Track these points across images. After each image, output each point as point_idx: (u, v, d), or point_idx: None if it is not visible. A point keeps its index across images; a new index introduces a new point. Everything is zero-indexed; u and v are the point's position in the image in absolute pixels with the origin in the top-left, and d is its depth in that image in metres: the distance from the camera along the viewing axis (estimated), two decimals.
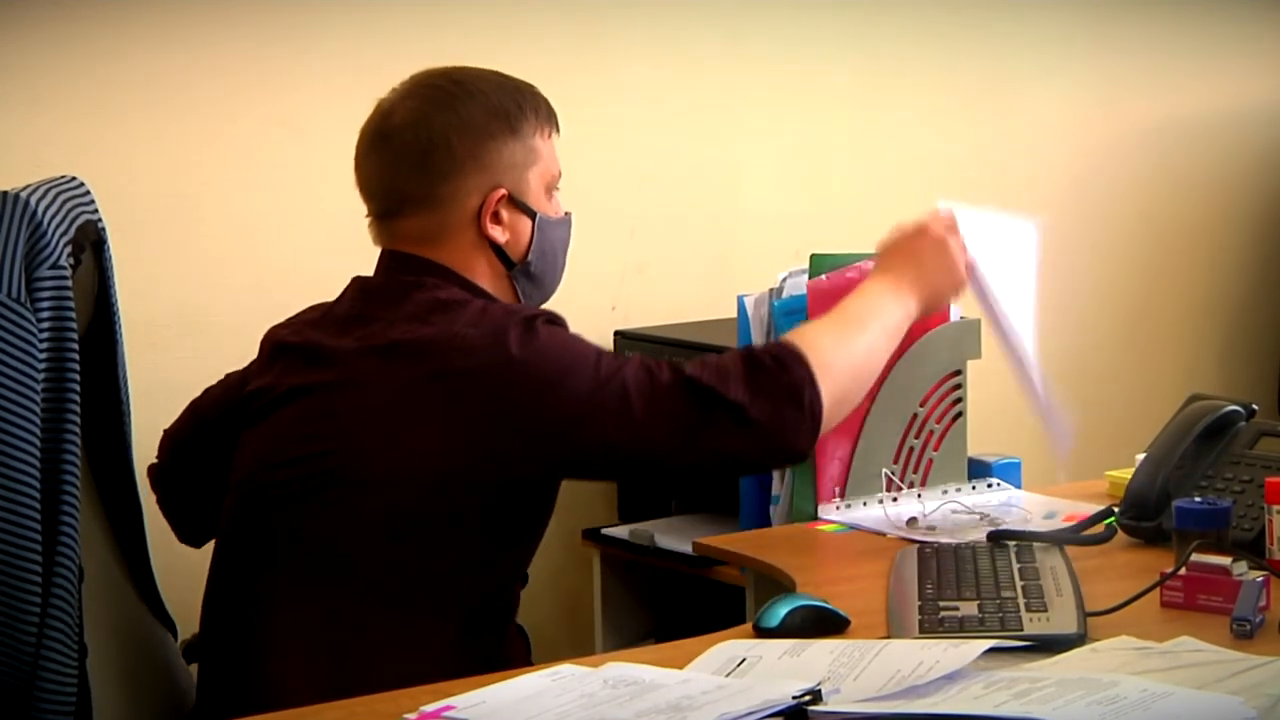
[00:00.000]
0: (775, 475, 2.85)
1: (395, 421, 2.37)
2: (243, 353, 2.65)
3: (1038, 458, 2.94)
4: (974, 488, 2.90)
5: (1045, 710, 1.80)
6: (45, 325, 2.10)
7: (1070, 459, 2.79)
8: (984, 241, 2.74)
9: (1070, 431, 2.77)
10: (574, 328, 2.49)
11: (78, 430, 2.12)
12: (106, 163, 3.05)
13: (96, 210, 2.24)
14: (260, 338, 2.61)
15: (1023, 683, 1.89)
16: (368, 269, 2.57)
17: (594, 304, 2.50)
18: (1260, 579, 2.22)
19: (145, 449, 2.63)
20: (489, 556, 2.43)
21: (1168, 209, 4.20)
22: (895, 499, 2.84)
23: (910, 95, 3.88)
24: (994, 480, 2.92)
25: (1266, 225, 4.32)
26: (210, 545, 2.70)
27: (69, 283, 2.12)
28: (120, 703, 2.33)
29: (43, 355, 2.09)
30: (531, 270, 2.55)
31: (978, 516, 2.77)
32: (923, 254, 2.66)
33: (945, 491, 2.87)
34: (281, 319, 2.62)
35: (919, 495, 2.86)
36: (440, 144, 2.48)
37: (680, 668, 2.04)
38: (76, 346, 2.13)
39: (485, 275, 2.52)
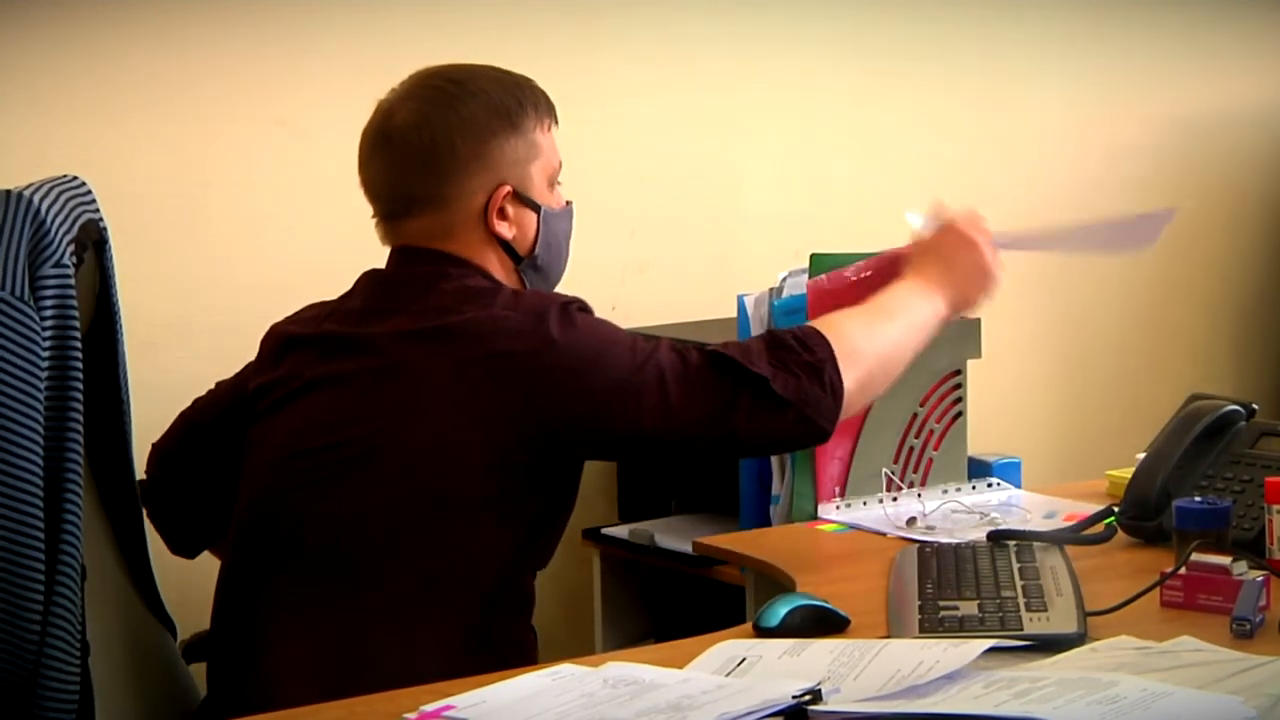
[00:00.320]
0: (775, 475, 2.85)
1: (441, 402, 2.38)
2: (243, 352, 2.65)
3: (1038, 458, 2.94)
4: (974, 487, 2.90)
5: (1045, 710, 1.80)
6: (48, 323, 2.09)
7: (1070, 459, 2.79)
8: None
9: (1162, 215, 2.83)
10: None
11: (80, 428, 2.12)
12: (107, 162, 3.05)
13: (98, 209, 2.24)
14: (260, 338, 2.61)
15: (1023, 682, 1.88)
16: (367, 268, 2.57)
17: (594, 303, 2.50)
18: (1260, 579, 2.22)
19: (144, 449, 2.63)
20: (518, 541, 2.44)
21: None
22: (895, 499, 2.84)
23: (910, 96, 3.88)
24: (994, 480, 2.93)
25: (1267, 225, 4.32)
26: (209, 549, 2.71)
27: (72, 281, 2.12)
28: (122, 701, 2.33)
29: (46, 353, 2.09)
30: (539, 263, 2.56)
31: (978, 516, 2.77)
32: (954, 255, 2.66)
33: (945, 491, 2.87)
34: (282, 318, 2.62)
35: (919, 495, 2.86)
36: (444, 145, 2.48)
37: (680, 667, 2.04)
38: (79, 344, 2.12)
39: (495, 269, 2.53)
